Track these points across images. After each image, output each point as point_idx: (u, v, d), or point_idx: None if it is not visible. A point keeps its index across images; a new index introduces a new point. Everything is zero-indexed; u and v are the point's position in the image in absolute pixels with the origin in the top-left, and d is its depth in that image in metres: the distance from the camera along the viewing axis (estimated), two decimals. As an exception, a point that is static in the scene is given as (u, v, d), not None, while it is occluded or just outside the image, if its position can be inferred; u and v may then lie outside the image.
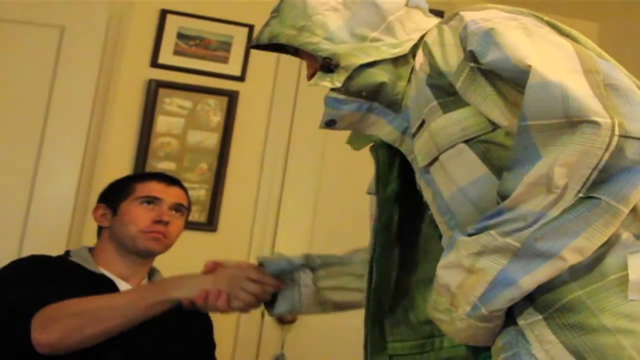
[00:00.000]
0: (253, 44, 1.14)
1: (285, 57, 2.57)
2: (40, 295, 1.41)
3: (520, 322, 0.86)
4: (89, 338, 1.37)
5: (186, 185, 1.80)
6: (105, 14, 2.44)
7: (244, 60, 2.55)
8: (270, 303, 1.43)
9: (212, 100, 2.51)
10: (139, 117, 2.47)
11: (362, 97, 1.06)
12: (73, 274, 1.55)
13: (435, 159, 0.96)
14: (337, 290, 1.40)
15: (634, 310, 0.81)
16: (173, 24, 2.52)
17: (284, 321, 2.42)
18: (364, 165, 2.48)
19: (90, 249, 1.67)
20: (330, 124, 1.09)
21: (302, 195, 2.57)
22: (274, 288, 1.40)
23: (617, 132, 0.77)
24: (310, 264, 1.40)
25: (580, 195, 0.79)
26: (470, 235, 0.86)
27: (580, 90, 0.79)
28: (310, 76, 1.11)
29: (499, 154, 0.90)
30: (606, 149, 0.77)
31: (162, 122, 2.47)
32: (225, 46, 2.55)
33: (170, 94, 2.49)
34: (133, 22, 2.51)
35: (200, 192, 2.43)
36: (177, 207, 1.67)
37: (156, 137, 2.46)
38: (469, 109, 0.92)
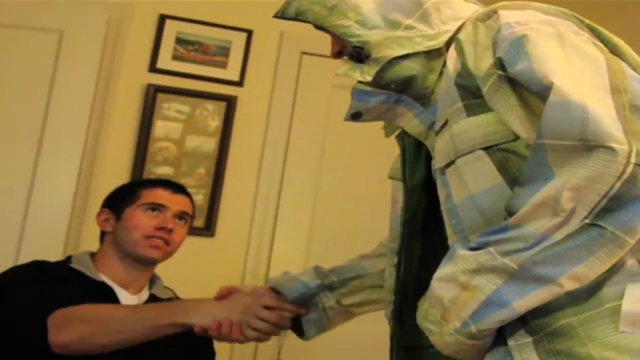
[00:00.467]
0: (277, 15, 1.10)
1: (283, 63, 2.60)
2: (52, 297, 1.42)
3: (510, 342, 0.84)
4: (102, 346, 1.37)
5: (184, 190, 1.80)
6: (104, 19, 2.45)
7: (242, 66, 2.55)
8: (295, 328, 1.38)
9: (210, 105, 2.51)
10: (137, 122, 2.47)
11: (391, 89, 1.03)
12: (73, 281, 1.54)
13: (452, 162, 0.94)
14: (362, 305, 1.36)
15: (625, 342, 0.79)
16: (172, 29, 2.52)
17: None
18: (362, 170, 2.49)
19: (92, 254, 1.66)
20: (355, 116, 1.06)
21: (300, 200, 2.57)
22: (292, 314, 1.36)
23: (633, 160, 0.74)
24: (326, 282, 1.35)
25: (587, 221, 0.76)
26: (471, 249, 0.84)
27: (601, 112, 0.76)
28: (336, 54, 1.08)
29: (517, 165, 0.88)
30: (619, 177, 0.74)
31: (160, 127, 2.47)
32: (224, 51, 2.55)
33: (169, 99, 2.49)
34: (132, 27, 2.51)
35: (198, 197, 2.42)
36: (181, 215, 1.66)
37: (154, 141, 2.46)
38: (493, 115, 0.89)
